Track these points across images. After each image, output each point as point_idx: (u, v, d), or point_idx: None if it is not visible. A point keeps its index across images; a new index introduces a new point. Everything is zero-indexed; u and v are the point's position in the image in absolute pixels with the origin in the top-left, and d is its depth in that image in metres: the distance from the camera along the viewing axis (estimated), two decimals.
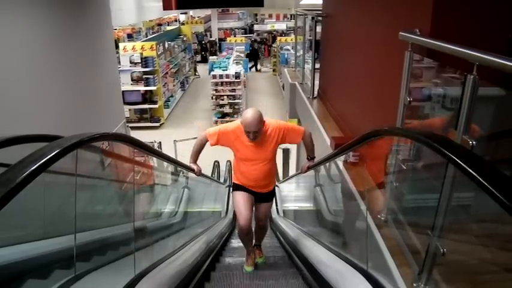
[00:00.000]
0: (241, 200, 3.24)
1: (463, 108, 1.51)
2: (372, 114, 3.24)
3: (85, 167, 2.01)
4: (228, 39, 21.47)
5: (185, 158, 3.76)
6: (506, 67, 1.27)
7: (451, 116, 1.75)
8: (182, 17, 25.29)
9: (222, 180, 7.60)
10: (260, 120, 2.92)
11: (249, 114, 2.90)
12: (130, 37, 14.81)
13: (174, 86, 14.92)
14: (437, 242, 1.51)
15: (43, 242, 1.99)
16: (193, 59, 20.03)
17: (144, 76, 11.89)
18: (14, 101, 3.68)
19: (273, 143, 3.11)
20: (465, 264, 1.65)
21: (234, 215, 5.59)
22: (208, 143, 3.20)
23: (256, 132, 2.93)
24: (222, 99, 12.95)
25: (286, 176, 7.68)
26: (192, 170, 3.39)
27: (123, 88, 10.27)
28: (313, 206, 4.54)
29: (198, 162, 3.40)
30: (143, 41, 13.42)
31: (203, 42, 23.41)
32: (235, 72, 12.98)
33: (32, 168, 1.07)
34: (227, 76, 12.96)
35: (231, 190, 5.53)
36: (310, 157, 3.34)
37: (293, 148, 7.94)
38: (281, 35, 22.27)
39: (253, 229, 3.58)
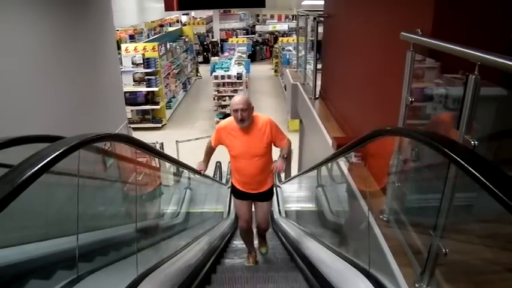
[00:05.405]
0: (240, 203, 3.52)
1: (464, 108, 1.51)
2: (374, 115, 3.23)
3: (87, 168, 2.02)
4: (230, 40, 21.50)
5: (187, 159, 3.79)
6: (508, 67, 1.27)
7: (455, 115, 1.75)
8: (184, 18, 25.35)
9: (224, 181, 7.59)
10: (247, 100, 3.05)
11: (236, 96, 3.13)
12: (132, 38, 14.85)
13: (176, 86, 14.93)
14: (439, 242, 1.50)
15: (46, 242, 2.00)
16: (195, 60, 20.05)
17: (146, 77, 11.92)
18: (16, 102, 3.69)
19: (264, 137, 3.17)
20: (467, 264, 1.64)
21: (236, 215, 5.60)
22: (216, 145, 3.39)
23: (244, 111, 3.00)
24: (224, 100, 12.95)
25: (288, 177, 7.66)
26: (198, 171, 3.53)
27: (125, 89, 10.29)
28: (315, 207, 4.53)
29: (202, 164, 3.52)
30: (145, 42, 13.44)
31: (205, 43, 23.43)
32: (237, 73, 12.99)
33: (35, 169, 1.07)
34: (229, 77, 12.98)
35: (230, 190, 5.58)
36: (284, 156, 3.27)
37: (295, 149, 7.92)
38: (283, 36, 22.27)
39: (254, 230, 3.74)
